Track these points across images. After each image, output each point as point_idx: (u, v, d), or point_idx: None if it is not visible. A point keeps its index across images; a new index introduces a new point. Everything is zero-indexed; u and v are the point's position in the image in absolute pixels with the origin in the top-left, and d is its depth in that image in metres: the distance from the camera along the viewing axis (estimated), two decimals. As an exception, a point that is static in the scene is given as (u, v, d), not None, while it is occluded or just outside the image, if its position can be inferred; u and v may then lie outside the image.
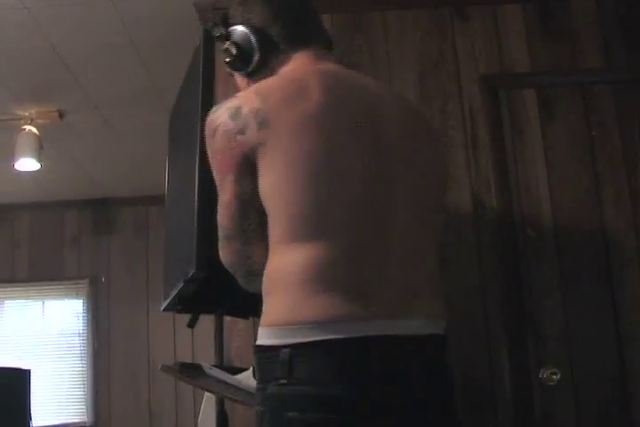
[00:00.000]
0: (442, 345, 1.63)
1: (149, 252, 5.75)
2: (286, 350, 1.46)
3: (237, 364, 2.73)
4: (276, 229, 1.54)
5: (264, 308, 1.55)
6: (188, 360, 4.99)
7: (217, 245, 1.68)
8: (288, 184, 1.52)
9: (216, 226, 1.68)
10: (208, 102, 2.04)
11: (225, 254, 1.64)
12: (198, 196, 1.90)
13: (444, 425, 1.59)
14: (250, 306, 2.21)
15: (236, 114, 1.58)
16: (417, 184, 1.64)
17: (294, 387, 1.46)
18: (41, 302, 5.90)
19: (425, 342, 1.56)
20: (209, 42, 2.08)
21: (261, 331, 1.54)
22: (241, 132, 1.56)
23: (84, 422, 5.52)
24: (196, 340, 5.43)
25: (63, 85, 4.13)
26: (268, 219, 1.56)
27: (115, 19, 3.46)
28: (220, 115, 1.60)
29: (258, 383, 1.54)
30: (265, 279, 1.56)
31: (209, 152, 1.64)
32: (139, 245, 5.79)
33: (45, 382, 5.43)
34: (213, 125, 1.61)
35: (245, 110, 1.57)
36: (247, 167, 1.56)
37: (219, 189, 1.62)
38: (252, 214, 1.59)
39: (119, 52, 3.76)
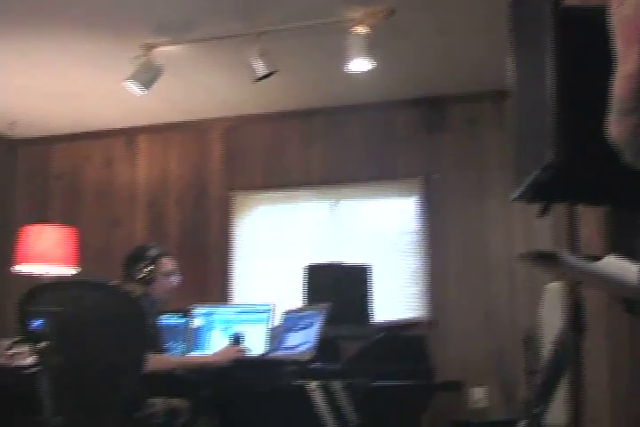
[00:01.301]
0: None
1: (482, 148, 5.83)
2: None
3: (587, 253, 2.77)
4: None
5: None
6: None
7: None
8: None
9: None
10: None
11: (617, 129, 1.61)
12: (555, 79, 1.94)
13: None
14: (607, 192, 2.25)
15: None
16: None
17: None
18: (375, 201, 6.19)
19: None
20: None
21: None
22: None
23: (422, 318, 5.75)
24: (532, 232, 5.47)
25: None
26: None
27: None
28: None
29: None
30: None
31: (613, 21, 1.60)
32: (471, 142, 5.88)
33: (384, 279, 5.69)
34: None
35: None
36: None
37: (620, 59, 1.59)
38: None
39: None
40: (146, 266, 4.34)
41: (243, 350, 4.26)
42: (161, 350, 4.23)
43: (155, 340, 4.10)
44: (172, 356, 4.63)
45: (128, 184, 6.77)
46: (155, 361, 3.86)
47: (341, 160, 6.20)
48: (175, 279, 4.49)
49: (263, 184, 6.39)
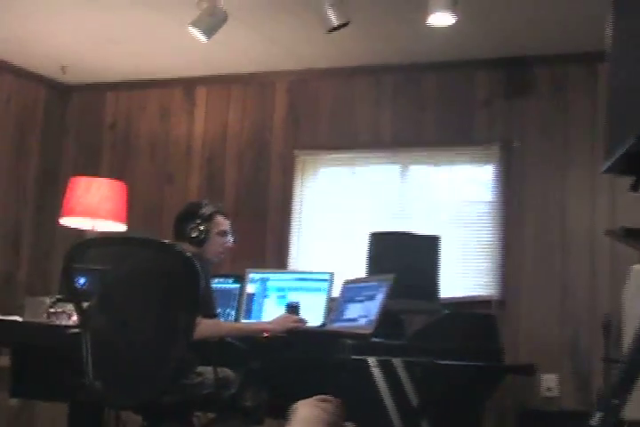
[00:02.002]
0: None
1: (567, 114, 5.72)
2: None
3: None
4: None
5: None
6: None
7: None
8: None
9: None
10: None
11: None
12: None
13: None
14: None
15: None
16: None
17: None
18: (448, 168, 6.14)
19: None
20: None
21: None
22: None
23: (492, 296, 5.70)
24: (617, 208, 5.40)
25: None
26: None
27: None
28: None
29: None
30: None
31: None
32: (556, 108, 5.76)
33: (453, 252, 5.65)
34: None
35: None
36: None
37: None
38: None
39: None
40: (199, 224, 4.35)
41: (302, 320, 4.29)
42: (213, 315, 4.25)
43: (207, 303, 4.11)
44: (226, 322, 4.67)
45: (184, 138, 6.79)
46: (206, 326, 3.88)
47: (414, 121, 6.15)
48: (230, 239, 4.50)
49: (329, 144, 6.36)
